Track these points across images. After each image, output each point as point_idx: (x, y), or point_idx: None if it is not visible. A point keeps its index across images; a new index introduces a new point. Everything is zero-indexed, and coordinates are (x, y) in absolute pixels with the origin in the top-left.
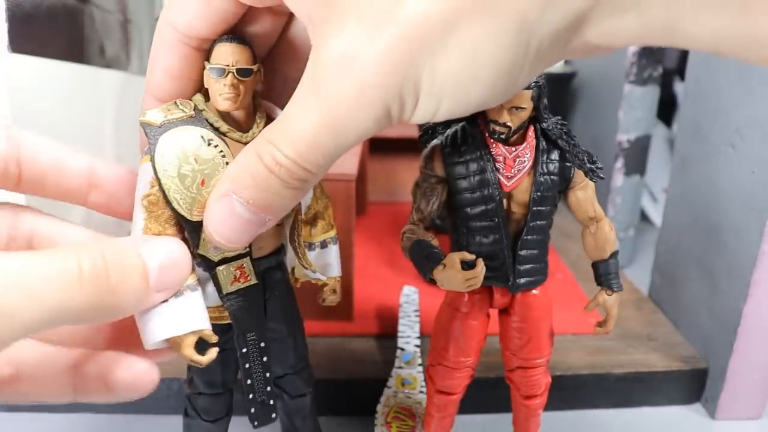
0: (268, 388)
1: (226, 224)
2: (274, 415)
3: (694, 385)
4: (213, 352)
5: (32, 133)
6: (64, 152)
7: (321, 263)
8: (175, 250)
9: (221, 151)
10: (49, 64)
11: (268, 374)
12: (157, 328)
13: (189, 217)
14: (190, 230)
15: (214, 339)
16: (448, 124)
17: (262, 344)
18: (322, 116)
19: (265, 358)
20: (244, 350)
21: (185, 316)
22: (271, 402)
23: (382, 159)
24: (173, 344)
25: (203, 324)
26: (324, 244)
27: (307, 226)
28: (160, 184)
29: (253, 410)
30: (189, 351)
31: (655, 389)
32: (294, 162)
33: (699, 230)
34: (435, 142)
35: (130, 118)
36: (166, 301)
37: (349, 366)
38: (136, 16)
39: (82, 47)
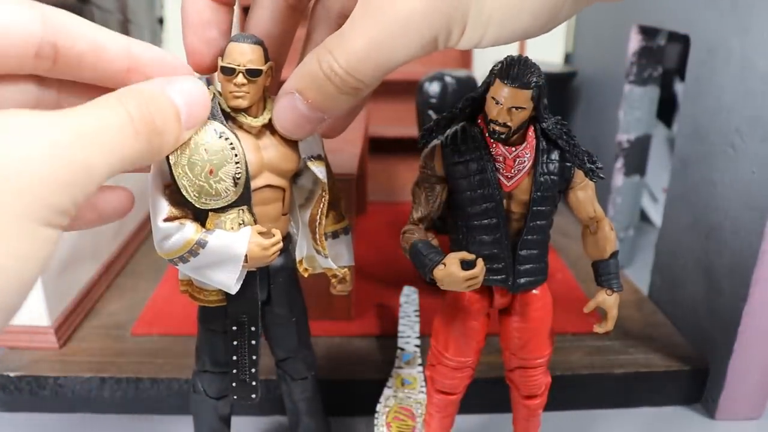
0: (253, 370)
1: (288, 117)
2: (254, 396)
3: (694, 385)
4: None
5: (69, 14)
6: (103, 34)
7: (332, 253)
8: (195, 88)
9: (231, 144)
10: None
11: (254, 357)
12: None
13: (196, 204)
14: (196, 216)
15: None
16: (448, 124)
17: (253, 328)
18: (373, 36)
19: (253, 342)
20: (234, 328)
21: (235, 239)
22: (253, 383)
23: (382, 159)
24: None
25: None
26: (335, 235)
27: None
28: (171, 172)
29: (234, 384)
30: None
31: (655, 389)
32: (347, 72)
33: (699, 230)
34: (435, 142)
35: None
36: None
37: (349, 366)
38: (136, 16)
39: None
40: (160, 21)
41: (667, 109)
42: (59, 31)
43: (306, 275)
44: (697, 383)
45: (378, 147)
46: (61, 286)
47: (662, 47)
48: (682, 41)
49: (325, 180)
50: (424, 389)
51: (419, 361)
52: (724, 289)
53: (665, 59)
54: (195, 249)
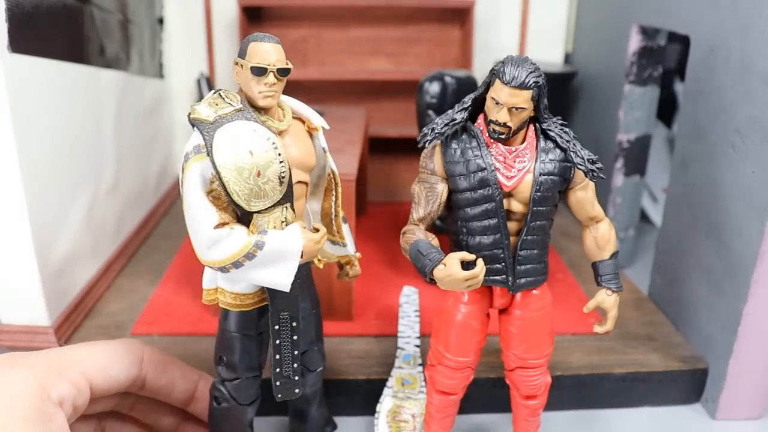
0: (295, 365)
1: None
2: (297, 390)
3: (693, 385)
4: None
5: (160, 354)
6: (178, 380)
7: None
8: None
9: (273, 143)
10: (49, 64)
11: (296, 352)
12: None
13: (247, 208)
14: (242, 218)
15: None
16: (448, 123)
17: (294, 324)
18: None
19: (295, 337)
20: (276, 327)
21: (289, 237)
22: (296, 378)
23: (382, 159)
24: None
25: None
26: None
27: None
28: (220, 178)
29: (278, 383)
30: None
31: (655, 389)
32: None
33: (699, 230)
34: (435, 141)
35: (129, 118)
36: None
37: (349, 366)
38: (136, 16)
39: (82, 47)
40: (160, 21)
41: (667, 109)
42: (151, 370)
43: (321, 266)
44: (697, 383)
45: (378, 147)
46: (62, 286)
47: (662, 47)
48: (682, 41)
49: (336, 171)
50: (424, 389)
51: (419, 361)
52: (725, 289)
53: (665, 59)
54: (252, 252)
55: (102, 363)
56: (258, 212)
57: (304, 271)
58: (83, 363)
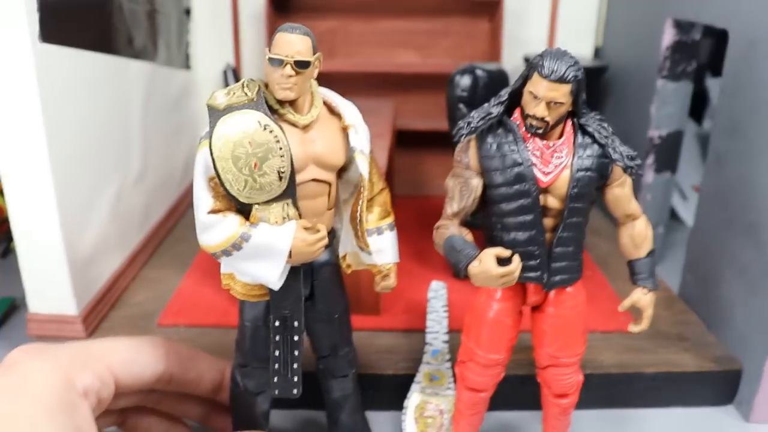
0: (294, 365)
1: None
2: (296, 391)
3: (726, 387)
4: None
5: (187, 349)
6: (205, 366)
7: (375, 249)
8: None
9: (276, 136)
10: (79, 54)
11: (296, 352)
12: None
13: (240, 198)
14: (240, 209)
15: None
16: (484, 117)
17: (296, 323)
18: None
19: (296, 337)
20: (277, 324)
21: (278, 234)
22: (295, 378)
23: (409, 152)
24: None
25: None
26: (380, 231)
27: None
28: (215, 165)
29: (276, 379)
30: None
31: (687, 390)
32: None
33: (734, 229)
34: (470, 135)
35: (156, 109)
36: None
37: (376, 361)
38: (164, 6)
39: (111, 37)
40: (187, 12)
41: (697, 105)
42: (177, 366)
43: (349, 271)
44: (730, 384)
45: (405, 140)
46: (89, 276)
47: (697, 42)
48: (715, 36)
49: (366, 175)
50: (452, 385)
51: (447, 356)
52: (761, 289)
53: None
54: (239, 242)
55: (127, 358)
56: (257, 204)
57: (326, 273)
58: (108, 357)
